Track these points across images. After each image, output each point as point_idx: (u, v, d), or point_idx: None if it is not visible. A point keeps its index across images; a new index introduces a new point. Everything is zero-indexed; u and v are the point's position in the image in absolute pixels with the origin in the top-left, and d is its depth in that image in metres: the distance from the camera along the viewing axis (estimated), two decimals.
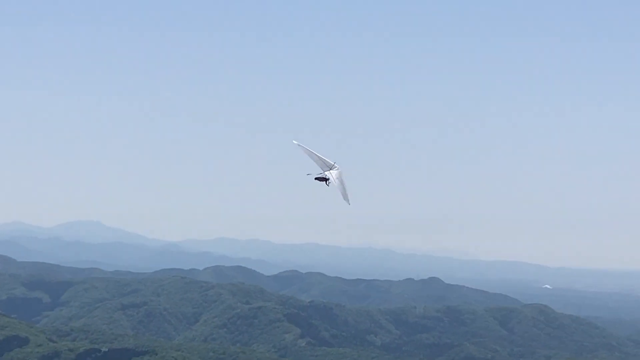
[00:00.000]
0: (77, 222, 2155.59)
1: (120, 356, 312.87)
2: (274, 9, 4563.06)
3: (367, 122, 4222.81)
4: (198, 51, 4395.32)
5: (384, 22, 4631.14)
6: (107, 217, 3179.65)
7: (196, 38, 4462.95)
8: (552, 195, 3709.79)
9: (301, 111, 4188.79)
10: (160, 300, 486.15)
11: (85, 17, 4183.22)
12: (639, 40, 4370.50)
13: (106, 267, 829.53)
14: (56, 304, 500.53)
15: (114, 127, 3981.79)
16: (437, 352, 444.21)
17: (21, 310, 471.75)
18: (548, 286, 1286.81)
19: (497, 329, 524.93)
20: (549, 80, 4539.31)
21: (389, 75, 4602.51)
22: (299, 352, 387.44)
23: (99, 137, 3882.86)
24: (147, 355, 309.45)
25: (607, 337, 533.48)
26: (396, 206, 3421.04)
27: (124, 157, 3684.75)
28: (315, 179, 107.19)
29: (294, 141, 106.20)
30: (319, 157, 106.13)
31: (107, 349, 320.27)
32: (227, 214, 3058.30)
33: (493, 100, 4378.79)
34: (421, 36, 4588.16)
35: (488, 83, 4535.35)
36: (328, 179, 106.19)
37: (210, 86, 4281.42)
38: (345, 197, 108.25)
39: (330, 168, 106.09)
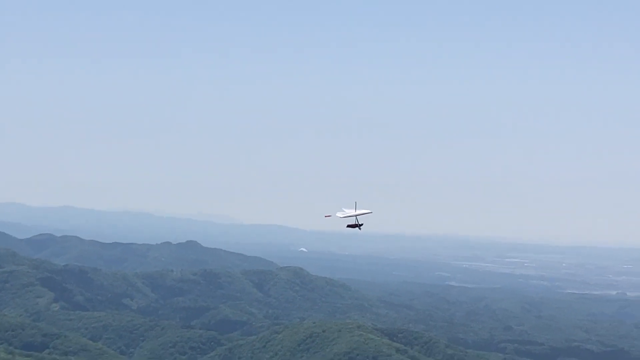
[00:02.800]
0: None
1: None
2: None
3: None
4: None
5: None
6: None
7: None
8: (307, 159, 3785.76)
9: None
10: None
11: None
12: None
13: None
14: None
15: None
16: (194, 314, 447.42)
17: None
18: (304, 249, 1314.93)
19: (254, 292, 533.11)
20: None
21: None
22: (53, 317, 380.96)
23: None
24: None
25: (359, 299, 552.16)
26: (157, 169, 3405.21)
27: None
28: (348, 226, 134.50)
29: (338, 215, 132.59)
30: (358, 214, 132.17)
31: None
32: None
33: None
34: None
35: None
36: (359, 224, 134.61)
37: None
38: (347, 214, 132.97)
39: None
